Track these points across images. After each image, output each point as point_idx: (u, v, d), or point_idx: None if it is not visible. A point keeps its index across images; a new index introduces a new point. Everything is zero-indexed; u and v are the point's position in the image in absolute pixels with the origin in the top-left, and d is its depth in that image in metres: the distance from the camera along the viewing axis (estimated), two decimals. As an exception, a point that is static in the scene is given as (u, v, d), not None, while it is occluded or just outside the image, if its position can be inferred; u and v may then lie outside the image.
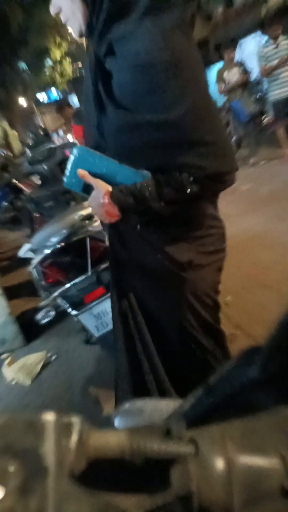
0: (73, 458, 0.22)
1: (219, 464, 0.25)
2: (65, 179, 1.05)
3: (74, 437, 0.23)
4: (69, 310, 1.84)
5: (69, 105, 5.19)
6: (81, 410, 2.01)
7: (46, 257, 1.84)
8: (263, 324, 2.15)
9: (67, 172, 1.04)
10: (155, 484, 0.26)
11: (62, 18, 1.04)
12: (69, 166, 1.03)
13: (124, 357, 1.31)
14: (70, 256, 1.88)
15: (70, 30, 1.07)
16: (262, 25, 6.47)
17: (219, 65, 6.14)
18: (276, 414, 0.28)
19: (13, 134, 5.61)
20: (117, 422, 0.50)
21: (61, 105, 5.19)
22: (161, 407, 0.49)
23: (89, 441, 0.23)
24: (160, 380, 1.30)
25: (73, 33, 1.07)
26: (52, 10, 1.04)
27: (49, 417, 0.23)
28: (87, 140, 1.17)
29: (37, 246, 1.91)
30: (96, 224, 1.81)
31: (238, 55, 6.05)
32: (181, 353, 1.28)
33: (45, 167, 3.29)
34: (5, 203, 5.38)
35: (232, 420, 0.28)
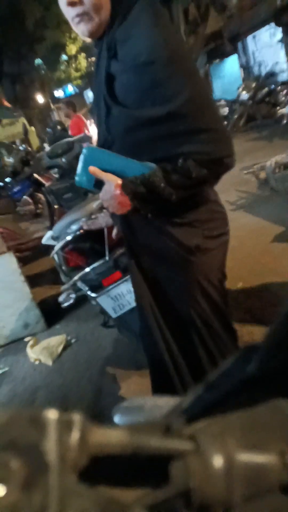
0: (75, 454, 0.23)
1: (219, 460, 0.25)
2: (76, 178, 1.10)
3: (76, 434, 0.23)
4: (89, 293, 1.97)
5: (72, 104, 5.35)
6: (100, 389, 2.15)
7: (67, 243, 1.97)
8: (273, 310, 2.23)
9: (78, 170, 1.09)
10: (156, 479, 0.26)
11: (80, 10, 0.98)
12: (80, 165, 1.08)
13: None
14: (89, 242, 2.00)
15: (79, 25, 1.01)
16: (276, 17, 6.34)
17: (233, 57, 5.92)
18: (276, 410, 0.29)
19: (31, 130, 5.79)
20: (117, 418, 0.51)
21: (67, 104, 5.34)
22: (160, 404, 0.50)
23: (90, 438, 0.24)
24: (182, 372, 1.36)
25: (84, 30, 1.02)
26: None
27: (51, 414, 0.23)
28: (98, 138, 1.23)
29: (58, 233, 2.04)
30: None
31: (251, 47, 5.68)
32: (191, 335, 1.33)
33: (64, 160, 3.42)
34: (25, 197, 5.57)
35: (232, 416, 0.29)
